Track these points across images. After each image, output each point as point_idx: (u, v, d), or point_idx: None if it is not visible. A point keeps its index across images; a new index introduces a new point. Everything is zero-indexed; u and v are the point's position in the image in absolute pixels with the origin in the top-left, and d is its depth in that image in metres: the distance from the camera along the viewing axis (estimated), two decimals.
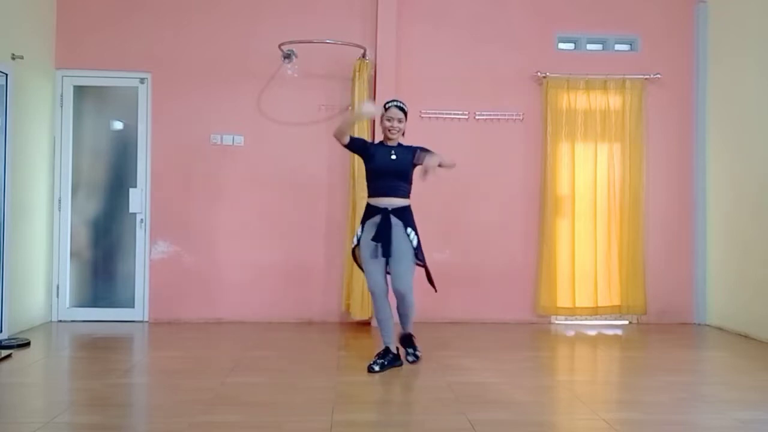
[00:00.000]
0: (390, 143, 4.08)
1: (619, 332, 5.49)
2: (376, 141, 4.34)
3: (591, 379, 4.18)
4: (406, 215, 4.00)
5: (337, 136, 3.98)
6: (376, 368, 3.93)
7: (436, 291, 4.23)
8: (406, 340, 4.20)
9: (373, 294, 4.03)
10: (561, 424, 3.19)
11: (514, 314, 5.74)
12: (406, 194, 4.05)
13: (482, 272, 5.71)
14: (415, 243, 3.95)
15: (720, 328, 5.59)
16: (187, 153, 5.64)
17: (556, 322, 5.78)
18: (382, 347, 4.07)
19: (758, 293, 5.10)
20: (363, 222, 4.07)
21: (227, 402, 3.32)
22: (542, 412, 3.32)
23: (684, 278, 5.85)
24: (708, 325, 5.75)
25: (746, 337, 5.22)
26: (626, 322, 5.81)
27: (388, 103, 4.11)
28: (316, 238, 5.68)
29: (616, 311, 5.74)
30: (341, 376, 3.84)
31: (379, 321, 4.09)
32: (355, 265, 5.36)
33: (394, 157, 4.01)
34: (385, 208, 3.96)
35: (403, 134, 4.11)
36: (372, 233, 3.95)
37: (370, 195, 4.07)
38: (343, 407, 3.26)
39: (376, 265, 3.97)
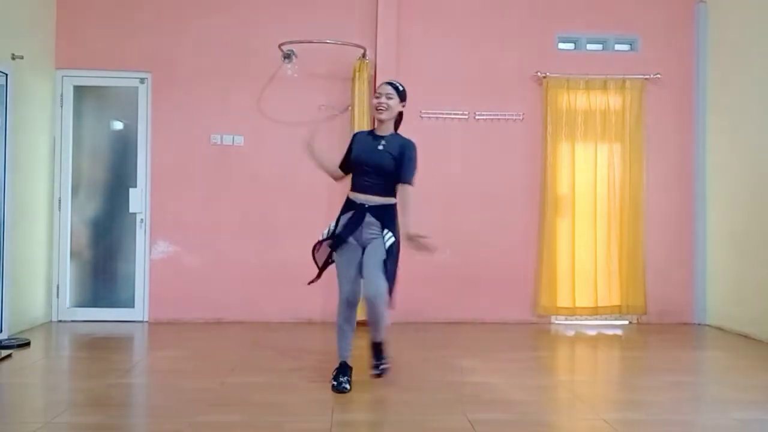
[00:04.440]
0: (381, 131, 3.62)
1: (619, 332, 5.49)
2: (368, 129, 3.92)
3: (591, 379, 4.18)
4: (385, 215, 3.55)
5: (333, 177, 3.85)
6: (348, 387, 3.54)
7: (391, 308, 3.62)
8: (375, 349, 3.76)
9: (339, 298, 3.63)
10: (561, 424, 3.19)
11: (514, 314, 5.74)
12: (390, 192, 3.57)
13: (482, 272, 5.71)
14: (388, 245, 3.47)
15: (720, 328, 5.59)
16: (187, 153, 5.64)
17: (556, 322, 5.78)
18: (338, 363, 3.66)
19: (758, 293, 5.10)
20: (339, 216, 3.65)
21: (227, 402, 3.32)
22: (542, 412, 3.32)
23: (684, 278, 5.85)
24: (708, 325, 5.75)
25: (746, 337, 5.22)
26: (626, 322, 5.81)
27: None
28: (316, 238, 5.64)
29: (616, 311, 5.74)
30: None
31: (338, 329, 3.67)
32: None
33: (381, 148, 3.55)
34: (362, 204, 3.56)
35: (399, 120, 3.66)
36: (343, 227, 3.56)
37: (351, 188, 3.65)
38: (343, 407, 3.26)
39: (347, 266, 3.57)
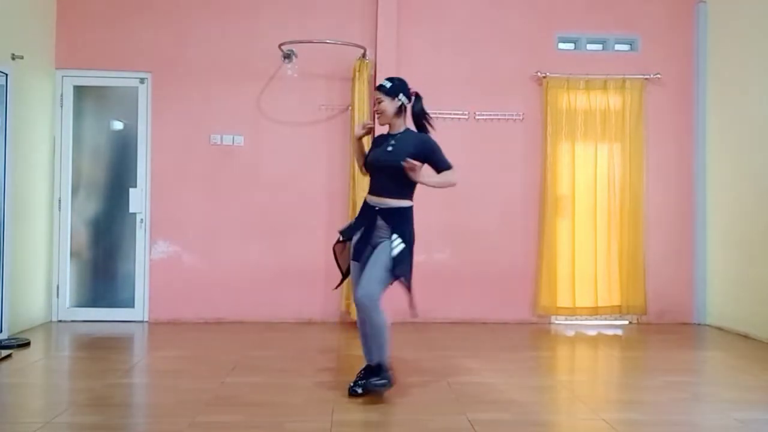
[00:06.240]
0: (392, 130, 3.56)
1: (619, 332, 5.49)
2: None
3: (591, 379, 4.18)
4: (396, 219, 3.40)
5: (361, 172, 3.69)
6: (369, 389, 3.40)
7: (415, 316, 3.56)
8: (373, 372, 3.42)
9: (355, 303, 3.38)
10: (561, 424, 3.19)
11: (514, 314, 5.74)
12: (402, 194, 3.44)
13: (482, 272, 5.71)
14: (395, 252, 3.31)
15: (720, 328, 5.59)
16: (187, 153, 5.64)
17: (556, 322, 5.78)
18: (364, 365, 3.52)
19: (758, 293, 5.10)
20: (356, 217, 3.60)
21: (227, 402, 3.32)
22: (542, 412, 3.32)
23: (684, 278, 5.85)
24: (708, 325, 5.75)
25: (746, 337, 5.22)
26: (626, 322, 5.81)
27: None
28: (316, 238, 5.67)
29: (616, 311, 5.74)
30: (341, 377, 3.84)
31: (361, 335, 3.47)
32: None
33: (390, 148, 3.45)
34: (374, 207, 3.45)
35: (403, 112, 3.54)
36: (357, 232, 3.49)
37: (368, 191, 3.58)
38: (343, 407, 3.26)
39: (356, 272, 3.46)
